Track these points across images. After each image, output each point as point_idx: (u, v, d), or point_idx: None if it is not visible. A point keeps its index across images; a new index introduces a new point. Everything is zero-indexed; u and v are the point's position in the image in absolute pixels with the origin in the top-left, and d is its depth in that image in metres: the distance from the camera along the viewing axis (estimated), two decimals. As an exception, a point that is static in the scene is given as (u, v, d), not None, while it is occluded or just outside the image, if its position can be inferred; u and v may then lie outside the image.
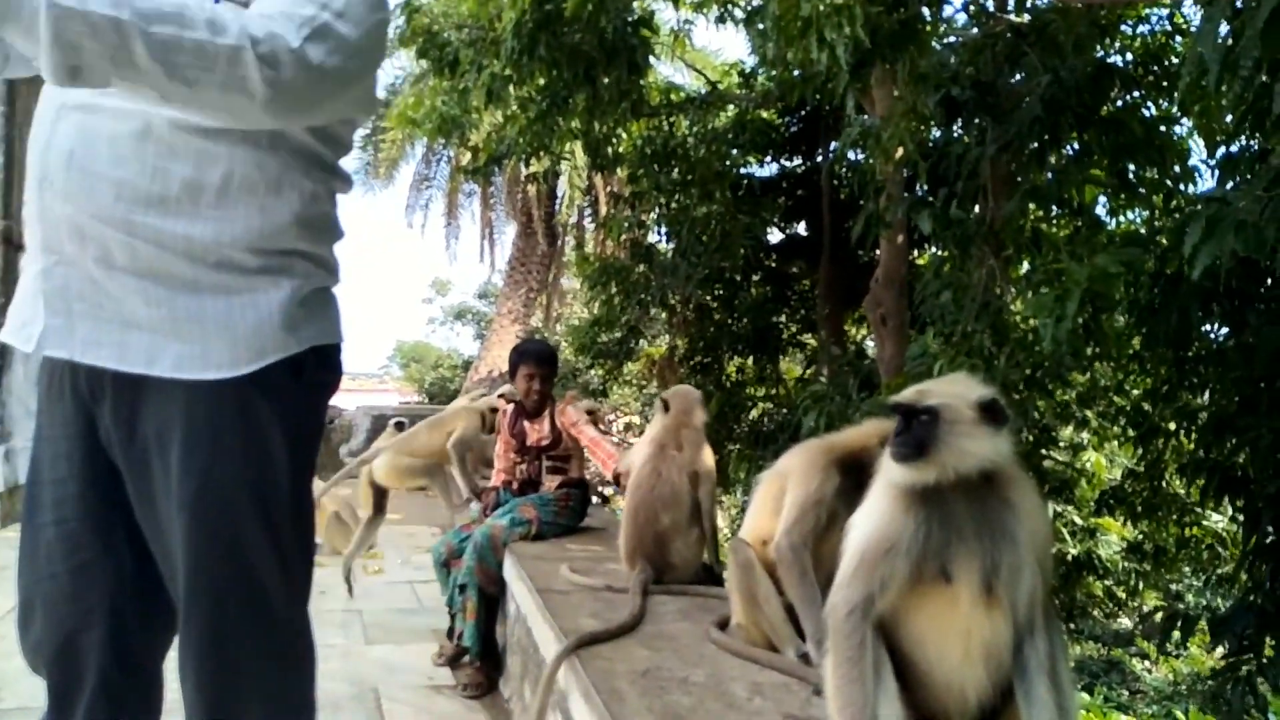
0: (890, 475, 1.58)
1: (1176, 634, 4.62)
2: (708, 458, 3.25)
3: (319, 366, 1.56)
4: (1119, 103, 4.56)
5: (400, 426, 9.78)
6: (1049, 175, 4.52)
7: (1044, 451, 5.73)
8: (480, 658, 3.61)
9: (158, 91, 1.22)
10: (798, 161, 8.59)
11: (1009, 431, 1.55)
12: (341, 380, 1.69)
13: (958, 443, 1.51)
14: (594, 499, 4.53)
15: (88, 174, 1.34)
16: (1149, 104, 4.69)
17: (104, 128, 1.37)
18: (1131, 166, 4.46)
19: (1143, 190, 4.75)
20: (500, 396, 5.88)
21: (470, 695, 3.53)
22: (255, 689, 1.46)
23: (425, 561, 5.68)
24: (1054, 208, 4.81)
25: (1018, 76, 4.61)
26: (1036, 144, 4.27)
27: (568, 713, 2.21)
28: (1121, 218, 5.49)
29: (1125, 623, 10.54)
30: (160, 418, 1.41)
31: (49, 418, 1.51)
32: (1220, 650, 5.45)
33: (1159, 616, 5.37)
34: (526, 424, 4.15)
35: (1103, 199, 5.02)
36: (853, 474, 2.20)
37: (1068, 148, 4.50)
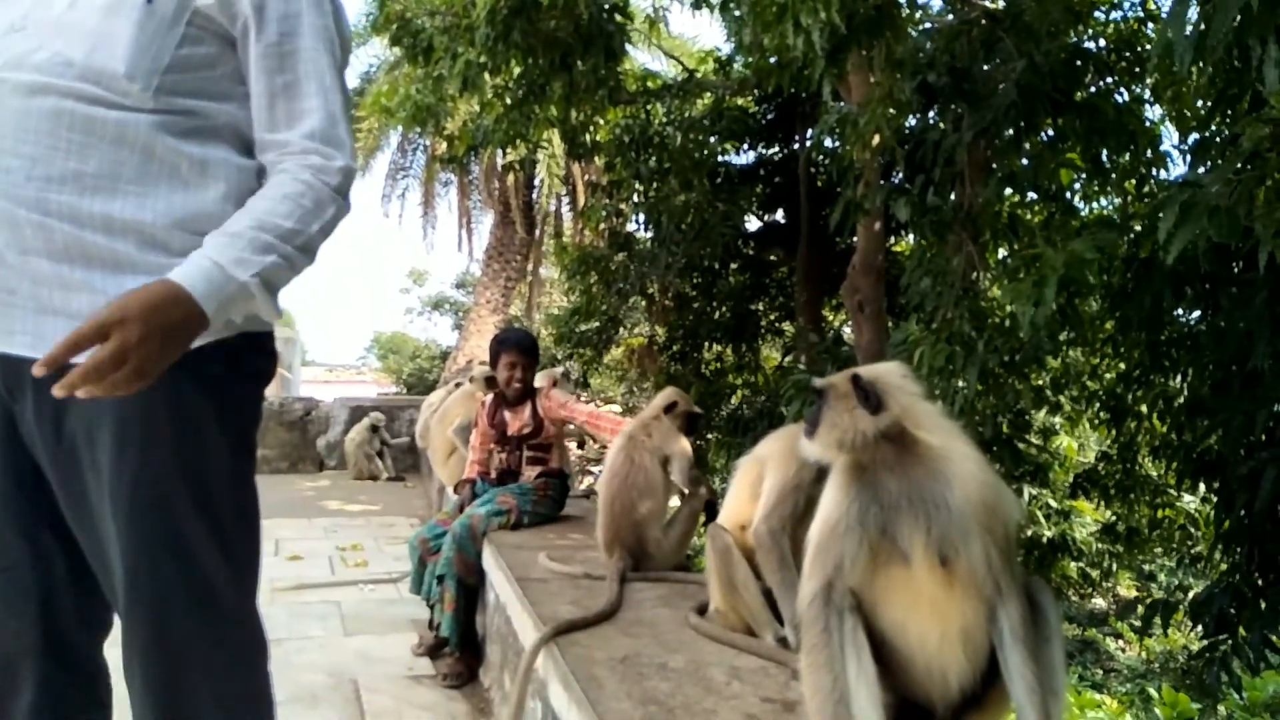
0: (804, 453, 1.71)
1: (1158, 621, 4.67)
2: (680, 443, 3.26)
3: (255, 354, 1.51)
4: (1092, 89, 4.59)
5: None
6: (1024, 161, 4.54)
7: (1017, 436, 5.78)
8: (460, 648, 3.60)
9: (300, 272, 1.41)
10: (775, 149, 8.59)
11: (899, 408, 1.62)
12: (277, 369, 1.63)
13: (835, 419, 1.62)
14: (572, 489, 4.51)
15: None
16: (1121, 90, 4.72)
17: (13, 104, 1.31)
18: (1105, 152, 4.49)
19: (1115, 176, 4.79)
20: (470, 379, 5.86)
21: (450, 685, 3.52)
22: (206, 686, 1.42)
23: (403, 552, 5.67)
24: (1030, 193, 4.84)
25: (993, 62, 4.62)
26: (1012, 130, 4.28)
27: (547, 701, 2.20)
28: (1095, 203, 5.54)
29: (1099, 603, 10.70)
30: (88, 413, 1.34)
31: None
32: (1192, 630, 5.54)
33: (1142, 606, 5.44)
34: (507, 413, 4.13)
35: (1077, 185, 5.06)
36: None
37: (1043, 133, 4.52)
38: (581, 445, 11.64)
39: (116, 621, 1.48)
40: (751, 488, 2.45)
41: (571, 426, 4.51)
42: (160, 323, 1.20)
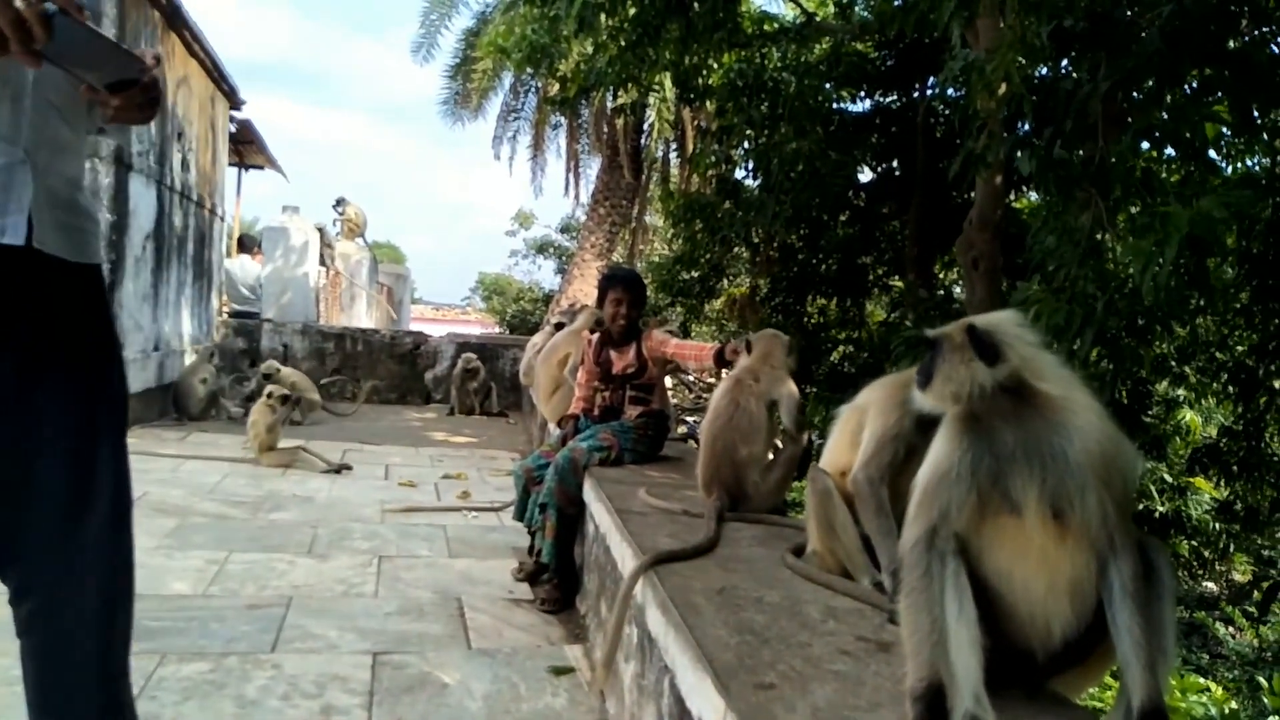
0: (917, 404, 1.71)
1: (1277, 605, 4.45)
2: (788, 386, 3.26)
3: None
4: (1245, 38, 4.27)
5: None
6: (1165, 114, 4.27)
7: (1138, 408, 5.53)
8: (557, 574, 3.74)
9: None
10: (893, 97, 8.28)
11: (1018, 359, 1.60)
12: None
13: (950, 370, 1.61)
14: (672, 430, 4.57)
15: None
16: (1279, 40, 4.37)
17: None
18: (1255, 106, 4.18)
19: (1265, 136, 4.47)
20: (556, 325, 5.97)
21: (547, 610, 3.67)
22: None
23: (506, 483, 5.87)
24: (1169, 149, 4.56)
25: (1137, 7, 4.34)
26: (1154, 80, 4.02)
27: (644, 625, 2.28)
28: (1241, 163, 5.19)
29: (1210, 586, 10.24)
30: None
31: None
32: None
33: (1259, 591, 5.18)
34: (613, 352, 4.20)
35: (1221, 142, 4.74)
36: None
37: (1187, 85, 4.24)
38: (678, 387, 11.71)
39: None
40: (852, 435, 2.45)
41: (672, 367, 4.54)
42: None
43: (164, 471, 5.78)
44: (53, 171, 1.54)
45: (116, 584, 1.63)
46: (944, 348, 1.65)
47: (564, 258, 22.76)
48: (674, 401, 12.05)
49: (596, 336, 4.33)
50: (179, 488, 5.34)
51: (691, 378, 13.03)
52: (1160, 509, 6.77)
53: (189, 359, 8.76)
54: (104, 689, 1.62)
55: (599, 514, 3.36)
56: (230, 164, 13.46)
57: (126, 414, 1.71)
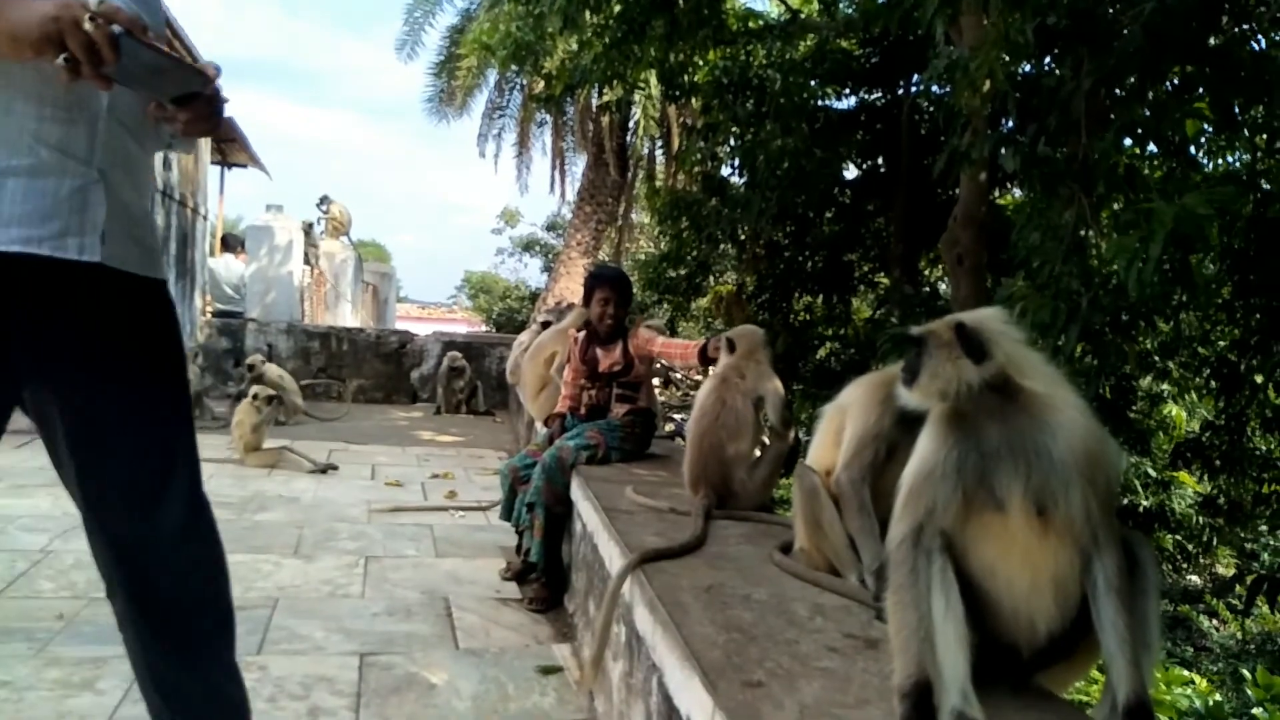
0: (903, 401, 1.69)
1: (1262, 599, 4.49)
2: (774, 383, 3.26)
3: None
4: (1226, 35, 4.30)
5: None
6: (1147, 111, 4.29)
7: (1122, 403, 5.56)
8: (545, 574, 3.73)
9: None
10: (878, 94, 8.30)
11: (1004, 356, 1.60)
12: None
13: (937, 368, 1.60)
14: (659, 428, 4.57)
15: None
16: (1259, 37, 4.41)
17: None
18: (1236, 103, 4.21)
19: (1246, 132, 4.50)
20: (543, 324, 5.97)
21: (535, 609, 3.66)
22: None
23: (492, 482, 5.85)
24: (1151, 145, 4.59)
25: (1119, 4, 4.36)
26: (1136, 76, 4.05)
27: (632, 624, 2.28)
28: (1222, 159, 5.23)
29: (1194, 579, 10.33)
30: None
31: None
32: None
33: (1242, 585, 5.23)
34: (599, 350, 4.19)
35: (1203, 139, 4.77)
36: None
37: (1169, 82, 4.27)
38: (666, 385, 11.72)
39: None
40: (835, 435, 2.45)
41: (659, 365, 4.56)
42: None
43: (147, 473, 5.73)
44: (125, 190, 1.60)
45: (192, 581, 1.70)
46: (930, 345, 1.64)
47: (550, 255, 22.72)
48: (661, 399, 12.06)
49: (583, 334, 4.32)
50: (163, 489, 5.31)
51: (679, 375, 13.04)
52: (1144, 503, 6.83)
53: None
54: (201, 677, 1.73)
55: (586, 512, 3.36)
56: (213, 162, 13.37)
57: (193, 422, 1.78)
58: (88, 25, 1.24)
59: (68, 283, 1.51)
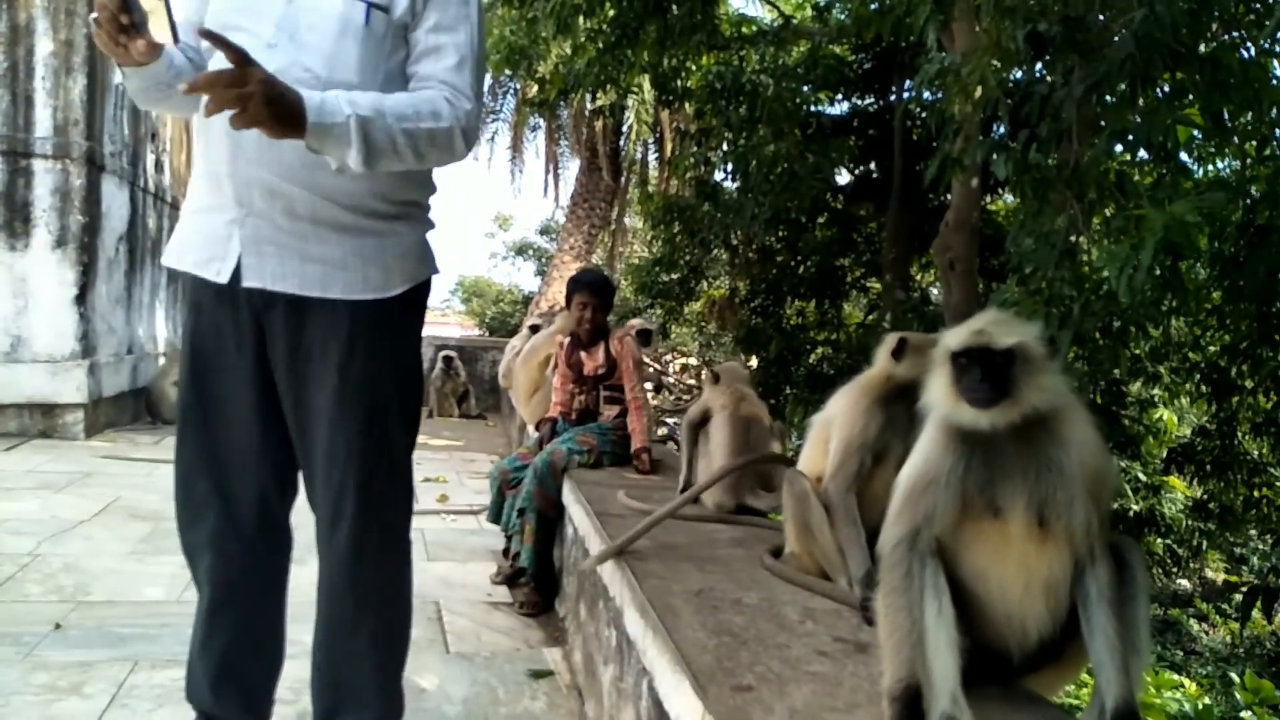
0: (960, 418, 1.55)
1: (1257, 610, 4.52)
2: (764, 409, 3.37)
3: (427, 293, 2.03)
4: (1215, 42, 4.32)
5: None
6: (1137, 117, 4.32)
7: (1114, 408, 5.59)
8: (536, 578, 3.72)
9: (405, 164, 1.73)
10: (870, 100, 8.37)
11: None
12: None
13: (1037, 381, 1.52)
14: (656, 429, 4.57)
15: (276, 144, 1.65)
16: (1249, 44, 4.44)
17: None
18: (1226, 110, 4.24)
19: (1235, 139, 4.53)
20: (531, 328, 5.97)
21: (526, 613, 3.65)
22: (390, 517, 2.02)
23: (484, 486, 5.84)
24: (1141, 152, 4.62)
25: (1111, 11, 4.39)
26: (1126, 83, 4.07)
27: (622, 628, 2.28)
28: (1212, 165, 5.26)
29: (1184, 584, 10.37)
30: (323, 330, 1.83)
31: (218, 329, 1.87)
32: (1282, 615, 5.33)
33: (1238, 594, 5.26)
34: (583, 354, 4.19)
35: (1192, 146, 4.80)
36: (900, 403, 2.21)
37: (1159, 88, 4.29)
38: (658, 390, 11.72)
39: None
40: (824, 445, 2.46)
41: (650, 370, 4.60)
42: (276, 98, 1.52)
43: (138, 476, 5.71)
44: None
45: (369, 589, 2.00)
46: (1023, 357, 1.53)
47: (543, 260, 22.72)
48: (654, 403, 12.06)
49: (568, 339, 4.33)
50: (153, 493, 5.26)
51: (671, 380, 13.04)
52: (1135, 508, 6.85)
53: (163, 362, 8.66)
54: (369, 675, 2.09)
55: (578, 517, 3.35)
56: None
57: (411, 446, 2.03)
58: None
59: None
